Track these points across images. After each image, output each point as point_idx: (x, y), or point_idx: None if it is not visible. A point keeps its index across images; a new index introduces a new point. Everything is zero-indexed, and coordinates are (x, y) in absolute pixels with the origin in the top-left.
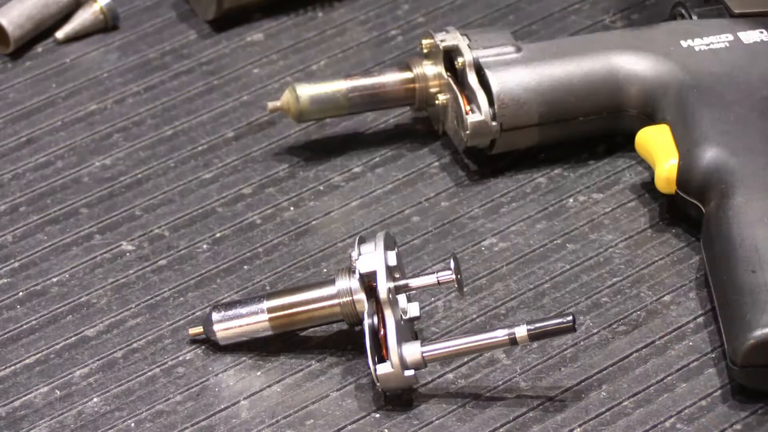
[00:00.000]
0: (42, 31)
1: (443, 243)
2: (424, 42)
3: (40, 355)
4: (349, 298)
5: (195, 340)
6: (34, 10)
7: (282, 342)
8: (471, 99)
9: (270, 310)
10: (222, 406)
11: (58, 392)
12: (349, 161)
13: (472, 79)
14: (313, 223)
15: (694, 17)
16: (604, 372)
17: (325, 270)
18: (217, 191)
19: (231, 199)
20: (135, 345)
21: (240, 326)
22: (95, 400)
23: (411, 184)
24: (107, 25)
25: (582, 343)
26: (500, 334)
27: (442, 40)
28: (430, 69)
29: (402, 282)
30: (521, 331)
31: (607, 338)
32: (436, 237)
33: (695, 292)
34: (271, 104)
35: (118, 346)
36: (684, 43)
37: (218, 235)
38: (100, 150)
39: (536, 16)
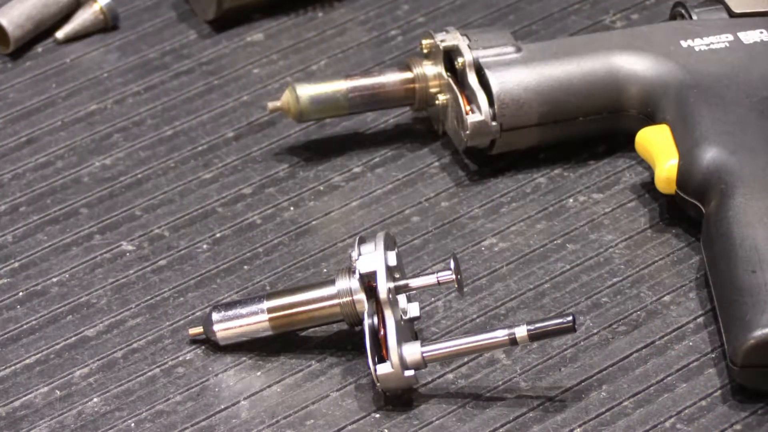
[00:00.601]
0: (42, 31)
1: (443, 243)
2: (424, 42)
3: (40, 355)
4: (349, 299)
5: (195, 341)
6: (34, 10)
7: (282, 342)
8: (471, 99)
9: (270, 310)
10: (222, 406)
11: (58, 392)
12: (349, 161)
13: (472, 79)
14: (313, 223)
15: (694, 17)
16: (604, 372)
17: (325, 270)
18: (217, 191)
19: (231, 199)
20: (135, 345)
21: (240, 326)
22: (95, 400)
23: (411, 184)
24: (107, 25)
25: (582, 343)
26: (500, 335)
27: (442, 40)
28: (430, 69)
29: (402, 282)
30: (521, 332)
31: (607, 338)
32: (436, 237)
33: (695, 292)
34: (271, 104)
35: (118, 346)
36: (684, 43)
37: (218, 235)
38: (100, 150)
39: (536, 16)
